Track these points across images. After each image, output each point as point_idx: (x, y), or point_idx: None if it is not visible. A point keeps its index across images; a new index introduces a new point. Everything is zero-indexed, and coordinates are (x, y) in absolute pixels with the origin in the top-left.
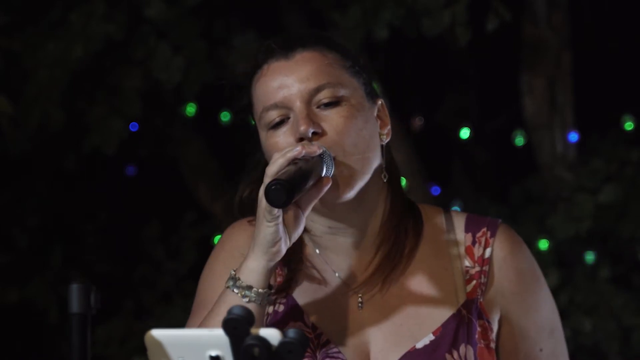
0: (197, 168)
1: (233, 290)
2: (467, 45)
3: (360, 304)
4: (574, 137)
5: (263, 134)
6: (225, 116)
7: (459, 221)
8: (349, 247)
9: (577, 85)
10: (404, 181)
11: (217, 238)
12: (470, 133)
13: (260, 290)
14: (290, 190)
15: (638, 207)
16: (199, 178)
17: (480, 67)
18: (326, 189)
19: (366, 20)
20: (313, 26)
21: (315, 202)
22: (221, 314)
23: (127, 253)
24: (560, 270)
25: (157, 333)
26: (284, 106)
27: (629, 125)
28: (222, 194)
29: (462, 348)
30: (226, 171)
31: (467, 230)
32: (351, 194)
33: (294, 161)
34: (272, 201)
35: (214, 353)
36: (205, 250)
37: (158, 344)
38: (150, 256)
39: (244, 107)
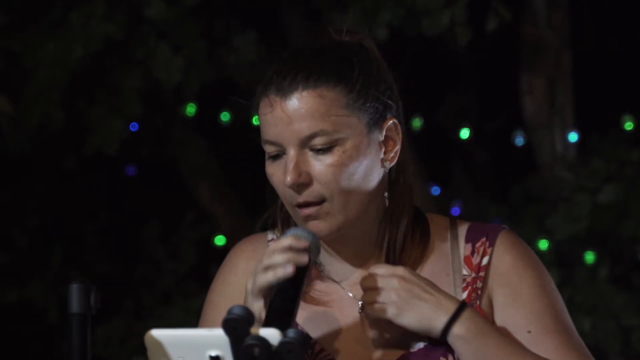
0: (197, 168)
1: None
2: (467, 45)
3: (360, 310)
4: (573, 137)
5: (266, 157)
6: (225, 116)
7: (462, 231)
8: (351, 257)
9: (577, 85)
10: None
11: (217, 238)
12: (470, 133)
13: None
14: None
15: (638, 207)
16: (199, 178)
17: (480, 67)
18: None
19: (366, 20)
20: (313, 26)
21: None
22: None
23: (127, 253)
24: (560, 270)
25: (157, 333)
26: (279, 144)
27: (628, 125)
28: (223, 194)
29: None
30: (226, 171)
31: (467, 241)
32: (332, 236)
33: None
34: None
35: (214, 353)
36: (205, 250)
37: (158, 344)
38: (150, 256)
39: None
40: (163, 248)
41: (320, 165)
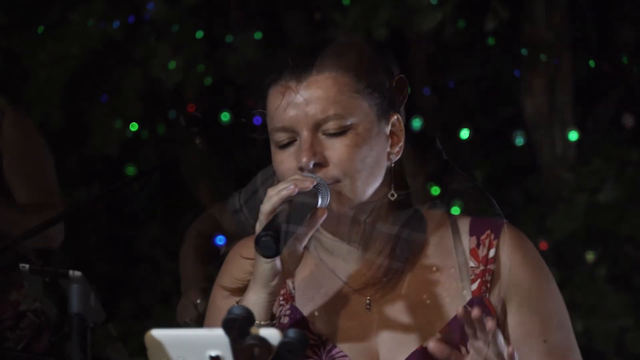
0: (197, 168)
1: None
2: (467, 45)
3: (368, 306)
4: (573, 136)
5: (273, 150)
6: (225, 116)
7: (464, 225)
8: (354, 253)
9: (577, 85)
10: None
11: (217, 238)
12: (470, 133)
13: (262, 323)
14: (279, 241)
15: (638, 207)
16: (199, 178)
17: (480, 66)
18: (322, 220)
19: (366, 20)
20: (313, 26)
21: (311, 233)
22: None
23: (127, 253)
24: (560, 270)
25: (157, 333)
26: (291, 130)
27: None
28: (222, 194)
29: (469, 345)
30: (226, 171)
31: (471, 234)
32: (346, 211)
33: (288, 199)
34: (262, 252)
35: (214, 353)
36: None
37: (158, 344)
38: (150, 256)
39: (260, 113)
40: (163, 248)
41: (334, 146)
